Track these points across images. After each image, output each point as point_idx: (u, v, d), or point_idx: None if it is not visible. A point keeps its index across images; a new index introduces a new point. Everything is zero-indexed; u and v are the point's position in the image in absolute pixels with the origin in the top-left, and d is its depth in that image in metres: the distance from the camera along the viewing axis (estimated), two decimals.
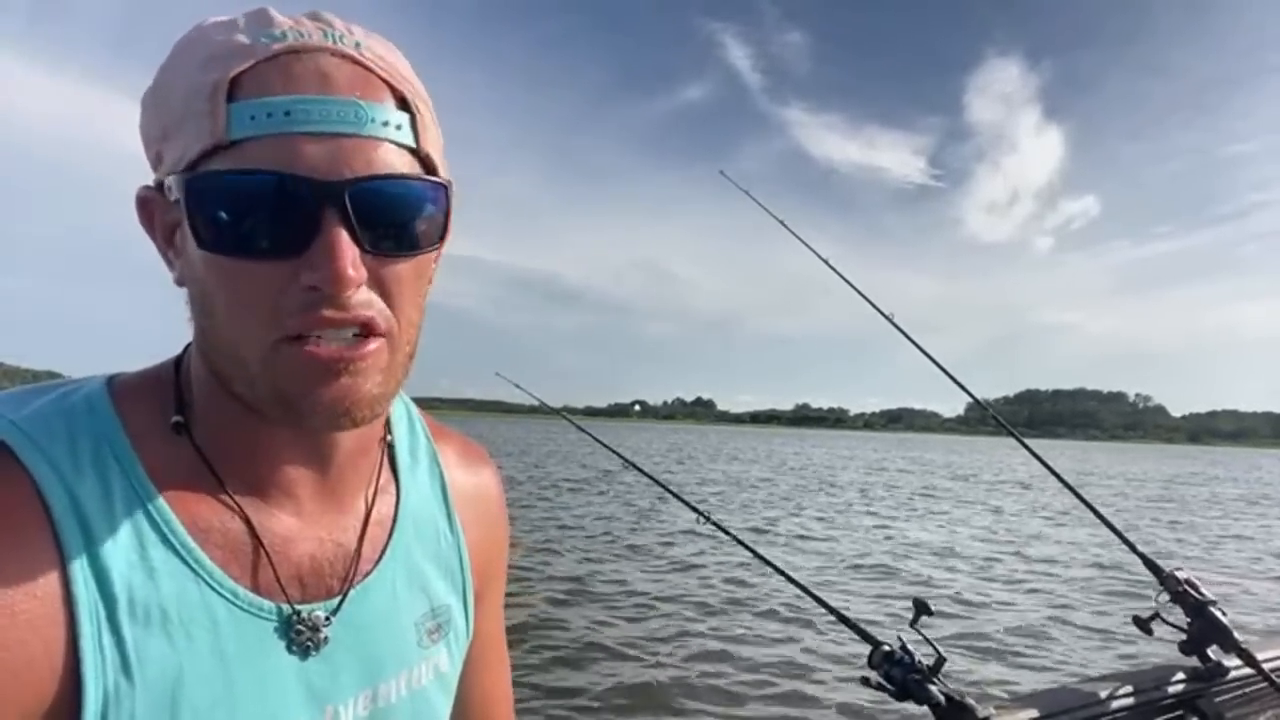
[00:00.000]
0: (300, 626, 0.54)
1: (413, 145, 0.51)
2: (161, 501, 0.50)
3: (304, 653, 0.55)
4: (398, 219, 0.50)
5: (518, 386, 2.22)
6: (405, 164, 0.50)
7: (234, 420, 0.54)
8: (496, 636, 0.79)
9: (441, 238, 0.54)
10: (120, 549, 0.47)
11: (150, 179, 0.52)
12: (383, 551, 0.61)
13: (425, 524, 0.66)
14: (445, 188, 0.53)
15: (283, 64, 0.47)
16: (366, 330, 0.49)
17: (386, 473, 0.65)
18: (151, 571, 0.48)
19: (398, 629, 0.61)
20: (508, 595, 0.80)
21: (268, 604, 0.53)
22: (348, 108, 0.47)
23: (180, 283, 0.53)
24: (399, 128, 0.50)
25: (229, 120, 0.45)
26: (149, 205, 0.52)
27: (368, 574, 0.60)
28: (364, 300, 0.49)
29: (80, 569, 0.46)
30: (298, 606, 0.55)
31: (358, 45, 0.50)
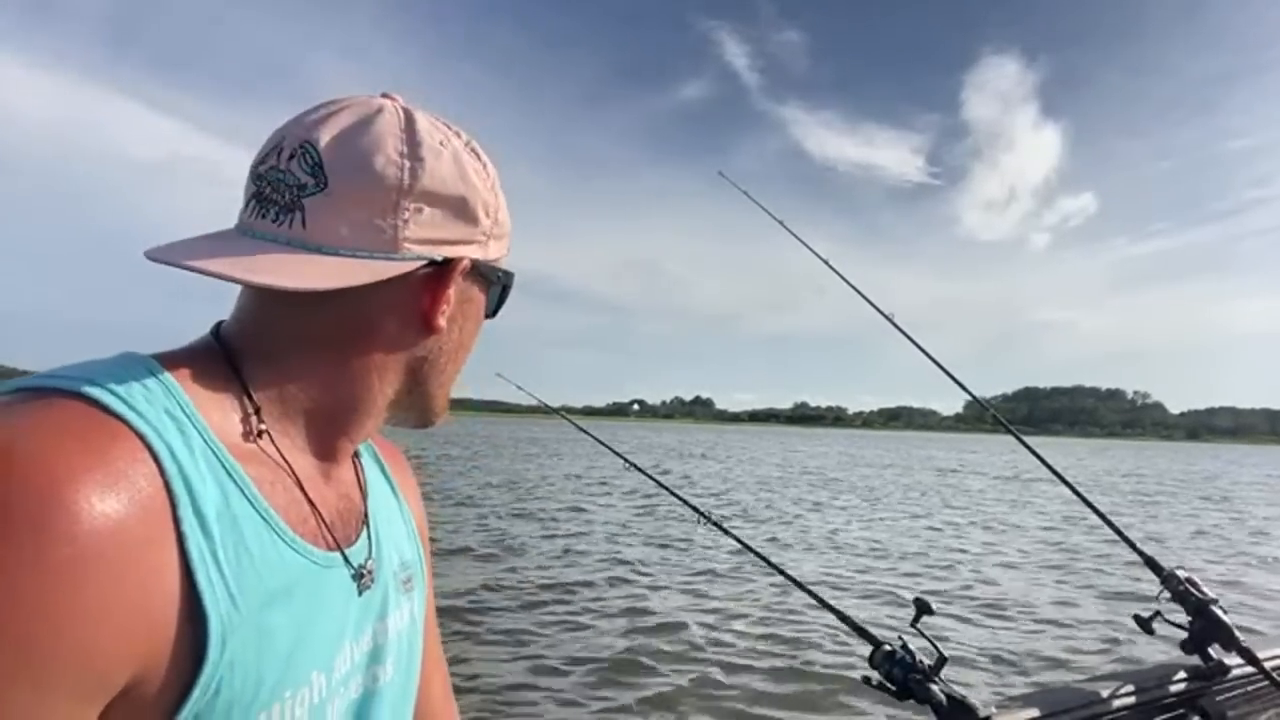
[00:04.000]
0: (362, 570, 0.67)
1: None
2: (231, 458, 0.57)
3: (360, 591, 0.67)
4: None
5: (519, 388, 2.23)
6: None
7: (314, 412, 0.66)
8: (431, 621, 0.87)
9: None
10: (210, 498, 0.54)
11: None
12: (365, 509, 0.73)
13: (381, 494, 0.79)
14: None
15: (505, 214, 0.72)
16: None
17: None
18: (234, 518, 0.55)
19: (385, 575, 0.72)
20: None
21: (317, 550, 0.62)
22: None
23: (436, 331, 0.68)
24: None
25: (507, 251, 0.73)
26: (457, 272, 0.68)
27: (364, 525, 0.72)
28: None
29: (186, 514, 0.52)
30: (345, 551, 0.66)
31: None
